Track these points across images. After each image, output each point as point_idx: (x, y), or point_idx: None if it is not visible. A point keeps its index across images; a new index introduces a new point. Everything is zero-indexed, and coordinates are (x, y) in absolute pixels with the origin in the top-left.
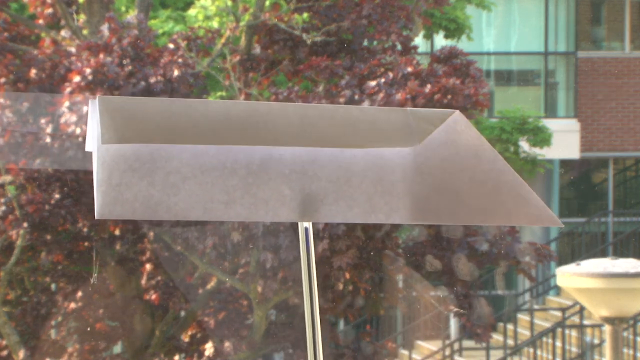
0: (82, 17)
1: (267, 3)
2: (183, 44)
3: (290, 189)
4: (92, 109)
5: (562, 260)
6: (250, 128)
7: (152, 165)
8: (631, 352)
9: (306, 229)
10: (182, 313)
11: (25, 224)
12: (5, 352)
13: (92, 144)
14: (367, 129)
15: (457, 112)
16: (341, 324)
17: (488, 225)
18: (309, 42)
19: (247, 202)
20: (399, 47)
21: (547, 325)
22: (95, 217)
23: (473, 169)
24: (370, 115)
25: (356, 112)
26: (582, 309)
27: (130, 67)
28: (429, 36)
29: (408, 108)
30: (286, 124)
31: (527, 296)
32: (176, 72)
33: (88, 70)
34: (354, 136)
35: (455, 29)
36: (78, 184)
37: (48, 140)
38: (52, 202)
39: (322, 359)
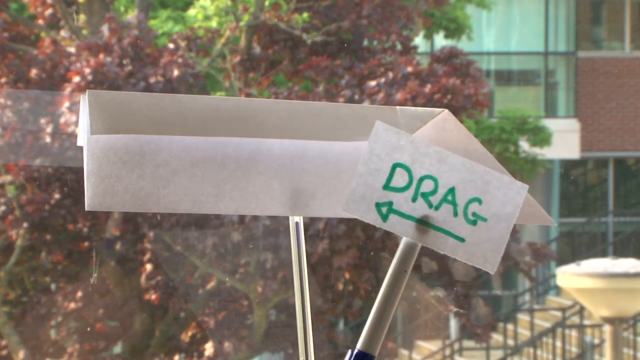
0: (82, 17)
1: (267, 3)
2: (183, 44)
3: (279, 183)
4: (83, 103)
5: (562, 260)
6: (239, 122)
7: (142, 157)
8: (631, 352)
9: (297, 224)
10: (182, 313)
11: (25, 224)
12: (5, 352)
13: (82, 138)
14: (356, 125)
15: (446, 111)
16: (341, 324)
17: None
18: (309, 42)
19: (237, 196)
20: (399, 47)
21: (547, 325)
22: (86, 209)
23: None
24: (359, 111)
25: (345, 109)
26: (582, 309)
27: (130, 67)
28: (429, 36)
29: (397, 106)
30: (275, 119)
31: (527, 296)
32: (176, 72)
33: (88, 70)
34: (343, 131)
35: (455, 28)
36: (78, 184)
37: (48, 140)
38: (52, 202)
39: (313, 351)
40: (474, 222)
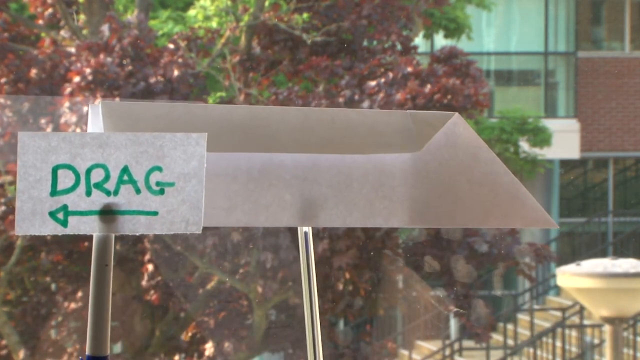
0: (82, 17)
1: (267, 3)
2: (183, 44)
3: (290, 194)
4: (94, 113)
5: (562, 260)
6: (251, 133)
7: None
8: (631, 352)
9: (305, 234)
10: (182, 313)
11: None
12: (5, 352)
13: None
14: (366, 133)
15: (457, 114)
16: (341, 324)
17: (486, 227)
18: (309, 42)
19: (248, 208)
20: (399, 47)
21: (547, 325)
22: None
23: (471, 171)
24: (370, 118)
25: (355, 116)
26: (582, 309)
27: (130, 67)
28: (429, 36)
29: (408, 111)
30: (287, 129)
31: (527, 296)
32: (176, 72)
33: (88, 71)
34: (354, 141)
35: (455, 28)
36: None
37: None
38: None
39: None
40: (161, 192)
